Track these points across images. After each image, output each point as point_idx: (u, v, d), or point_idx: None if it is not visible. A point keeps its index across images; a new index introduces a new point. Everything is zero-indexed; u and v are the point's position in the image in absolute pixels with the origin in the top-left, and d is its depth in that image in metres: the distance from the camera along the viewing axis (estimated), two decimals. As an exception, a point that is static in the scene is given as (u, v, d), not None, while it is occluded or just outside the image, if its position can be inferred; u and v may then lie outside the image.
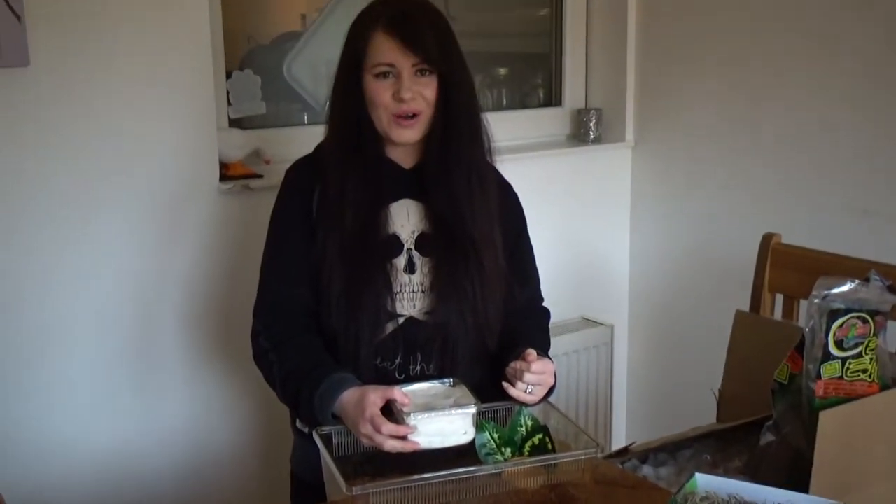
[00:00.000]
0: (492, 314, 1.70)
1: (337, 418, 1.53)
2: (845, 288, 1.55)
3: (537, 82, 3.17)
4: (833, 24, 2.47)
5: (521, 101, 3.10)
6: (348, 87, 1.66)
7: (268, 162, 2.40)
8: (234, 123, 2.41)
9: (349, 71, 1.66)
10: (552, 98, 3.14)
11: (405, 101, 1.61)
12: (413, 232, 1.70)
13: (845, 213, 2.49)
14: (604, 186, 3.07)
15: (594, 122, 3.02)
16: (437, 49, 1.62)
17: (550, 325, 2.85)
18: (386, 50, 1.61)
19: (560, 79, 3.11)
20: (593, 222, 3.07)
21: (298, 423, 1.75)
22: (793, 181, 2.62)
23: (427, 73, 1.63)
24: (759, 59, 2.66)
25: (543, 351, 1.71)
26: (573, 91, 3.11)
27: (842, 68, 2.47)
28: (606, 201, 3.08)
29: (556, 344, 2.80)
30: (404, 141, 1.66)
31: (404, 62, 1.60)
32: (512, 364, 1.58)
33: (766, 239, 2.11)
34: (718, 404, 2.02)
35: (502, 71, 3.11)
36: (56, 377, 2.13)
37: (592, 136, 3.02)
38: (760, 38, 2.65)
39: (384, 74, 1.62)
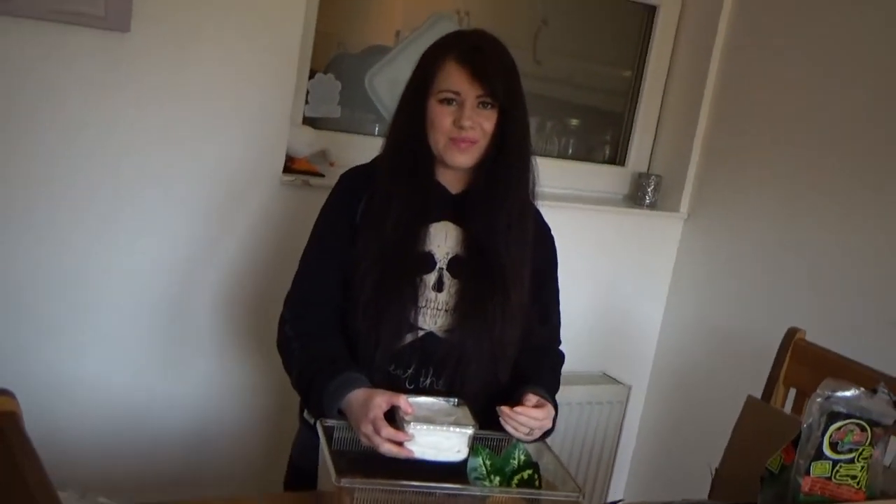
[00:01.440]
0: (508, 345, 1.76)
1: (342, 414, 1.59)
2: (849, 393, 1.59)
3: (605, 139, 3.20)
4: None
5: (586, 154, 3.14)
6: (413, 107, 1.73)
7: (332, 164, 2.48)
8: (308, 122, 2.49)
9: (416, 92, 1.73)
10: (617, 157, 3.18)
11: (464, 129, 1.68)
12: (448, 253, 1.76)
13: (876, 323, 2.50)
14: (650, 251, 3.10)
15: (652, 187, 3.06)
16: (502, 85, 1.69)
17: (571, 373, 2.91)
18: (455, 78, 1.68)
19: (628, 139, 3.16)
20: (633, 284, 3.10)
21: (306, 414, 1.82)
22: (830, 284, 2.63)
23: (489, 105, 1.70)
24: (822, 162, 2.68)
25: (550, 392, 1.76)
26: (638, 153, 3.16)
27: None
28: (650, 266, 3.11)
29: (573, 393, 2.86)
30: (457, 165, 1.73)
31: (469, 92, 1.68)
32: (509, 406, 1.61)
33: (791, 333, 2.14)
34: (713, 481, 2.05)
35: (574, 121, 3.15)
36: (90, 326, 2.21)
37: (648, 201, 3.06)
38: (828, 142, 2.67)
39: (448, 101, 1.69)
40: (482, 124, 1.69)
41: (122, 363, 2.27)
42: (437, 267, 1.75)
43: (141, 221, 2.20)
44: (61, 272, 2.14)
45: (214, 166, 2.26)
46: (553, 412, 1.66)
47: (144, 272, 2.24)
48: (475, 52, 1.69)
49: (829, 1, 2.67)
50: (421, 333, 1.74)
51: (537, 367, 1.81)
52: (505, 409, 1.60)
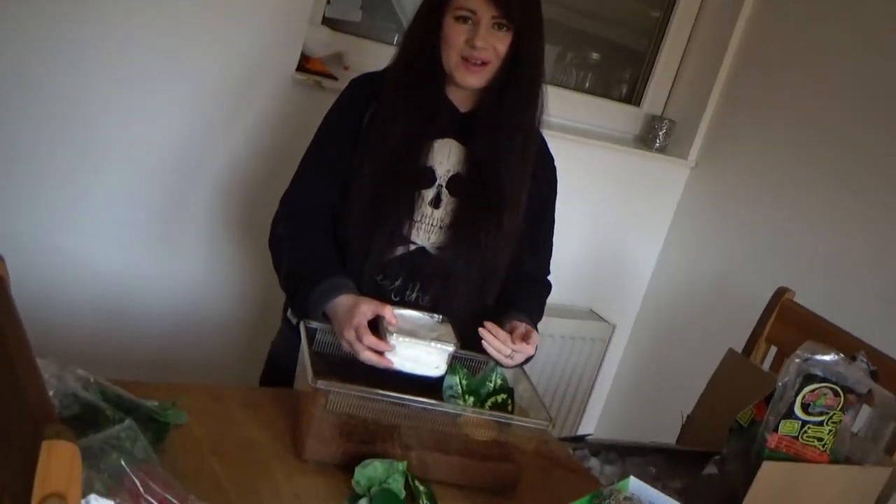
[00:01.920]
0: (497, 268, 1.77)
1: (327, 318, 1.61)
2: (828, 358, 1.60)
3: (624, 77, 3.17)
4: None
5: (603, 90, 3.11)
6: (428, 21, 1.71)
7: (346, 68, 2.45)
8: (327, 22, 2.45)
9: (433, 6, 1.71)
10: (633, 96, 3.15)
11: (476, 49, 1.67)
12: (448, 171, 1.76)
13: (867, 295, 2.51)
14: (653, 195, 3.09)
15: (664, 131, 3.03)
16: (518, 8, 1.68)
17: (558, 306, 2.94)
18: None
19: (647, 80, 3.12)
20: (632, 225, 3.10)
21: (289, 313, 1.83)
22: (827, 250, 2.64)
23: (504, 27, 1.68)
24: (841, 127, 2.66)
25: (534, 321, 1.77)
26: (654, 96, 3.13)
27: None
28: (651, 210, 3.11)
29: (558, 326, 2.88)
30: (467, 85, 1.72)
31: (485, 12, 1.66)
32: (488, 325, 1.63)
33: (780, 292, 2.15)
34: (683, 426, 2.09)
35: (595, 55, 3.11)
36: (90, 198, 2.21)
37: (658, 145, 3.04)
38: (850, 107, 2.64)
39: (464, 19, 1.67)
40: (495, 46, 1.68)
41: (116, 239, 2.28)
42: (437, 183, 1.76)
43: (149, 97, 2.18)
44: (64, 140, 2.13)
45: (228, 54, 2.23)
46: (536, 339, 1.67)
47: (146, 149, 2.23)
48: None
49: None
50: (413, 248, 1.74)
51: (523, 294, 1.83)
52: (488, 326, 1.61)
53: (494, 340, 1.61)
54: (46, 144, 2.12)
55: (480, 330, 1.62)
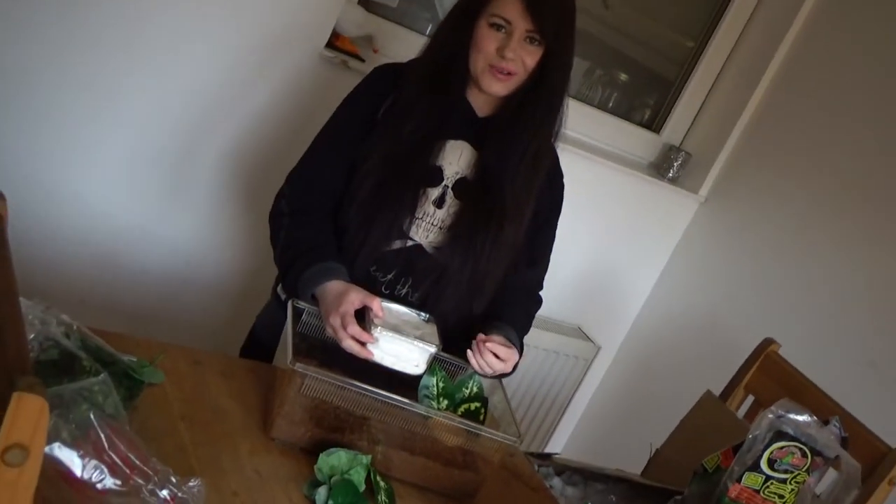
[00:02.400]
0: (490, 277, 1.77)
1: (315, 300, 1.62)
2: (801, 418, 1.61)
3: (649, 102, 3.17)
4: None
5: (625, 112, 3.10)
6: (462, 21, 1.71)
7: (376, 51, 2.45)
8: (363, 3, 2.45)
9: (467, 10, 1.71)
10: (654, 123, 3.15)
11: (506, 59, 1.67)
12: (457, 173, 1.76)
13: (853, 357, 2.51)
14: (658, 224, 3.09)
15: (679, 162, 3.03)
16: (554, 25, 1.67)
17: (548, 319, 2.94)
18: (509, 6, 1.65)
19: (670, 109, 3.12)
20: (633, 250, 3.10)
21: (279, 289, 1.84)
22: (821, 307, 2.63)
23: (536, 42, 1.68)
24: (852, 189, 2.65)
25: (520, 335, 1.77)
26: (676, 125, 3.12)
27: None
28: (654, 238, 3.11)
29: (544, 339, 2.89)
30: (491, 92, 1.71)
31: (520, 24, 1.66)
32: (481, 337, 1.63)
33: (766, 343, 2.16)
34: (650, 460, 2.10)
35: (623, 76, 3.11)
36: (100, 143, 2.21)
37: (671, 175, 3.04)
38: (866, 171, 2.63)
39: (497, 27, 1.67)
40: (525, 59, 1.68)
41: (121, 188, 2.28)
42: (443, 184, 1.76)
43: (176, 48, 2.17)
44: (77, 81, 2.12)
45: (262, 18, 2.22)
46: (516, 358, 1.67)
47: (165, 102, 2.22)
48: None
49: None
50: (410, 243, 1.75)
51: (514, 305, 1.83)
52: (482, 337, 1.62)
53: (478, 355, 1.61)
54: (66, 86, 2.11)
55: (475, 341, 1.62)
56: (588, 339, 3.08)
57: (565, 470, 1.85)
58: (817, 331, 2.61)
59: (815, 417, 1.62)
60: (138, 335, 1.56)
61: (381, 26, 2.49)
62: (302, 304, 1.62)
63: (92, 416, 1.13)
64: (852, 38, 2.75)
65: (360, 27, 2.41)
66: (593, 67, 3.02)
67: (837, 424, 1.68)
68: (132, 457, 1.14)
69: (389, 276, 1.75)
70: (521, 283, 1.87)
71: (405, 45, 2.50)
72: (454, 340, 1.66)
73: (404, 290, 1.76)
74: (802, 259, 2.73)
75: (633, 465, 2.10)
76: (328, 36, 2.33)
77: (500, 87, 1.71)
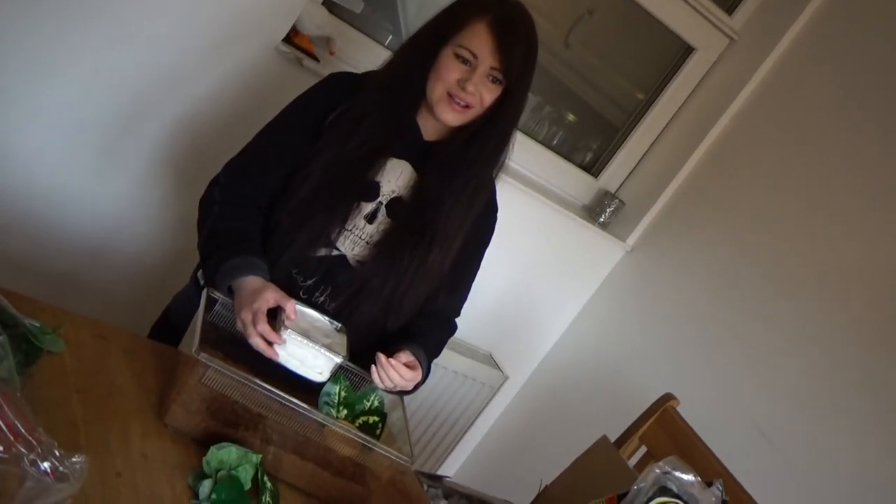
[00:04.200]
0: (409, 299, 1.78)
1: (231, 293, 1.61)
2: (686, 477, 1.64)
3: (592, 145, 3.21)
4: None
5: (567, 151, 3.15)
6: (427, 46, 1.72)
7: (332, 53, 2.45)
8: (326, 4, 2.45)
9: (436, 34, 1.72)
10: (593, 167, 3.20)
11: (465, 91, 1.69)
12: (393, 191, 1.77)
13: (745, 422, 2.58)
14: (583, 266, 3.14)
15: (612, 209, 3.09)
16: (517, 68, 1.70)
17: (460, 342, 2.97)
18: (478, 41, 1.67)
19: (611, 156, 3.17)
20: (554, 287, 3.14)
21: (199, 274, 1.82)
22: (725, 367, 2.69)
23: (497, 81, 1.71)
24: (768, 264, 2.72)
25: (429, 358, 1.79)
26: (614, 173, 3.18)
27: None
28: (576, 279, 3.15)
29: (453, 360, 2.90)
30: (444, 120, 1.73)
31: (487, 60, 1.68)
32: (385, 354, 1.64)
33: (665, 398, 2.21)
34: (538, 495, 2.13)
35: (571, 116, 3.15)
36: (46, 106, 2.17)
37: (602, 220, 3.09)
38: (784, 250, 2.70)
39: (463, 59, 1.69)
40: (483, 95, 1.71)
41: (58, 145, 2.24)
42: (378, 200, 1.77)
43: (132, 20, 2.14)
44: (34, 41, 2.08)
45: (221, 5, 2.20)
46: (419, 378, 1.69)
47: (114, 70, 2.19)
48: (508, 25, 1.68)
49: (841, 118, 2.70)
50: (335, 253, 1.75)
51: (427, 329, 1.84)
52: (382, 356, 1.63)
53: (380, 368, 1.62)
54: (9, 43, 2.07)
55: (378, 354, 1.63)
56: (497, 367, 3.10)
57: (454, 494, 1.87)
58: (715, 392, 2.67)
59: (699, 479, 1.66)
60: (48, 300, 1.53)
61: (341, 29, 2.49)
62: (217, 294, 1.61)
63: (-17, 378, 1.12)
64: (793, 116, 2.83)
65: (321, 27, 2.41)
66: (543, 103, 3.06)
67: (720, 487, 1.72)
68: (18, 424, 1.13)
69: (309, 282, 1.75)
70: (439, 308, 1.88)
71: (363, 52, 2.51)
72: (364, 353, 1.66)
73: (322, 298, 1.76)
74: (710, 323, 2.79)
75: (521, 497, 2.13)
76: (287, 31, 2.32)
77: (453, 118, 1.72)
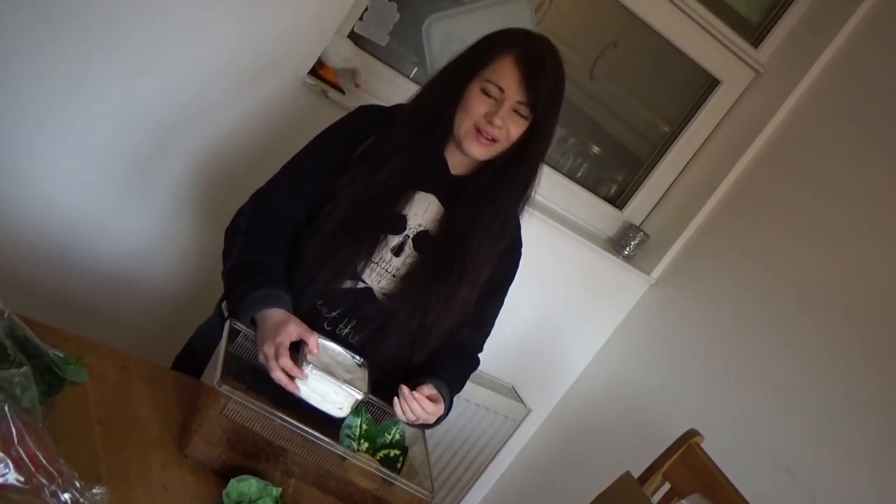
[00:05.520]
0: (434, 335, 1.77)
1: (255, 324, 1.61)
2: (710, 515, 1.63)
3: (617, 178, 3.21)
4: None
5: (592, 184, 3.15)
6: (455, 80, 1.73)
7: (358, 85, 2.47)
8: (352, 36, 2.47)
9: (464, 68, 1.73)
10: (618, 199, 3.19)
11: (492, 125, 1.69)
12: (420, 225, 1.78)
13: (773, 461, 2.54)
14: (607, 299, 3.12)
15: (636, 241, 3.07)
16: (544, 103, 1.70)
17: (483, 375, 2.96)
18: (506, 76, 1.68)
19: (636, 189, 3.17)
20: (577, 320, 3.12)
21: (224, 305, 1.83)
22: (751, 404, 2.66)
23: (524, 116, 1.71)
24: (798, 303, 2.69)
25: (451, 392, 1.78)
26: (639, 206, 3.17)
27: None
28: (600, 312, 3.13)
29: (475, 393, 2.89)
30: (472, 154, 1.74)
31: (513, 94, 1.69)
32: (408, 387, 1.64)
33: (690, 434, 2.18)
34: (559, 532, 2.10)
35: (596, 148, 3.15)
36: (70, 132, 2.19)
37: (626, 253, 3.08)
38: (813, 289, 2.67)
39: (490, 93, 1.70)
40: (510, 129, 1.71)
41: (83, 180, 2.26)
42: (405, 233, 1.77)
43: (158, 54, 2.16)
44: (58, 75, 2.11)
45: (250, 36, 2.22)
46: (441, 412, 1.68)
47: (139, 104, 2.21)
48: (536, 60, 1.69)
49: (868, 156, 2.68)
50: (360, 285, 1.75)
51: (451, 363, 1.83)
52: (405, 388, 1.62)
53: (403, 401, 1.62)
54: (39, 71, 2.10)
55: (402, 386, 1.62)
56: (520, 400, 3.08)
57: (474, 529, 1.86)
58: (740, 428, 2.63)
59: (722, 516, 1.65)
60: (72, 329, 1.54)
61: (366, 62, 2.51)
62: (239, 326, 1.62)
63: (6, 409, 1.13)
64: (819, 150, 2.81)
65: (346, 60, 2.43)
66: (568, 136, 3.06)
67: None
68: (40, 455, 1.13)
69: (334, 314, 1.75)
70: (463, 342, 1.88)
71: (388, 84, 2.53)
72: (388, 386, 1.65)
73: (346, 330, 1.76)
74: (736, 357, 2.76)
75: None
76: (312, 63, 2.34)
77: (480, 152, 1.73)
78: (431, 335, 1.78)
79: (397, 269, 1.76)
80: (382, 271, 1.76)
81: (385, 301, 1.76)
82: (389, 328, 1.75)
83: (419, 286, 1.75)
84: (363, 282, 1.75)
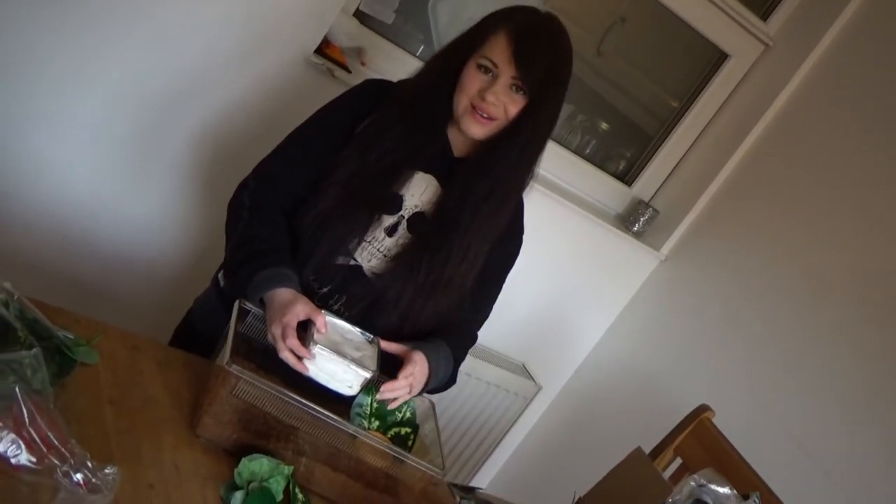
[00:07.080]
0: (424, 315, 1.74)
1: (262, 303, 1.61)
2: (722, 490, 1.63)
3: (626, 154, 3.20)
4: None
5: (601, 160, 3.13)
6: (454, 58, 1.71)
7: (363, 64, 2.46)
8: (358, 15, 2.46)
9: (462, 47, 1.71)
10: (627, 175, 3.18)
11: (486, 102, 1.66)
12: (416, 206, 1.75)
13: (786, 435, 2.54)
14: (617, 275, 3.11)
15: (646, 217, 3.06)
16: (541, 77, 1.66)
17: (494, 353, 2.96)
18: (498, 51, 1.65)
19: (645, 164, 3.15)
20: (588, 297, 3.11)
21: (220, 275, 1.82)
22: (762, 378, 2.66)
23: (520, 91, 1.67)
24: (809, 271, 2.68)
25: (455, 357, 1.78)
26: (648, 182, 3.16)
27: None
28: (610, 288, 3.13)
29: (486, 371, 2.90)
30: (470, 133, 1.70)
31: (507, 70, 1.65)
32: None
33: (701, 409, 2.18)
34: (571, 507, 2.11)
35: (604, 125, 3.13)
36: (76, 111, 2.19)
37: (636, 229, 3.07)
38: (824, 257, 2.66)
39: (485, 69, 1.67)
40: (507, 106, 1.67)
41: (87, 158, 2.26)
42: (400, 214, 1.75)
43: (160, 29, 2.16)
44: (64, 52, 2.11)
45: (252, 13, 2.21)
46: (425, 372, 1.66)
47: (144, 79, 2.20)
48: (530, 34, 1.66)
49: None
50: (352, 263, 1.73)
51: (450, 335, 1.80)
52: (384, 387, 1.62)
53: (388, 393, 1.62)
54: (45, 51, 2.10)
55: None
56: (531, 377, 3.08)
57: (485, 504, 1.86)
58: (752, 403, 2.63)
59: (735, 491, 1.64)
60: (80, 309, 1.54)
61: (372, 41, 2.50)
62: (248, 305, 1.61)
63: (17, 390, 1.13)
64: (829, 123, 2.79)
65: (352, 38, 2.42)
66: (576, 112, 3.04)
67: (757, 500, 1.70)
68: (51, 436, 1.14)
69: (325, 290, 1.73)
70: (460, 320, 1.85)
71: (394, 63, 2.52)
72: (393, 362, 1.65)
73: (337, 307, 1.74)
74: (746, 332, 2.75)
75: (555, 510, 2.11)
76: (318, 42, 2.33)
77: (478, 130, 1.69)
78: (420, 316, 1.74)
79: (388, 250, 1.74)
80: (374, 251, 1.74)
81: (374, 280, 1.74)
82: (377, 309, 1.73)
83: (406, 268, 1.71)
84: (354, 259, 1.73)
